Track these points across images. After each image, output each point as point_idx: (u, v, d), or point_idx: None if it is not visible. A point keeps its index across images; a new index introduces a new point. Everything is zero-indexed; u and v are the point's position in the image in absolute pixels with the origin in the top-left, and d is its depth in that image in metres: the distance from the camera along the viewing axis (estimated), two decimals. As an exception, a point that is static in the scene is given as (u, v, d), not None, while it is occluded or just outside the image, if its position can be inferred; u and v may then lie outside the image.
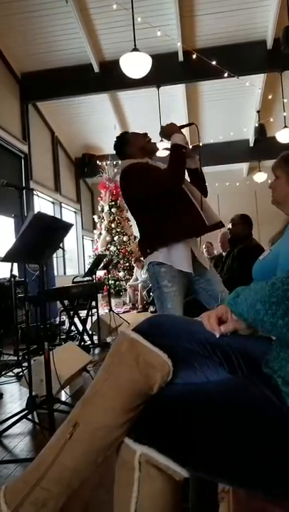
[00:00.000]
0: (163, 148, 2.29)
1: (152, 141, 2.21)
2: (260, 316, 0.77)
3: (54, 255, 2.46)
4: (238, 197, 10.92)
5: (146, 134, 2.20)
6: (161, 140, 2.33)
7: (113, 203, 9.23)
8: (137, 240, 2.30)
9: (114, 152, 2.26)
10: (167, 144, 2.06)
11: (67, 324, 4.78)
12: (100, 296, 6.73)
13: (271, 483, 0.75)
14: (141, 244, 2.13)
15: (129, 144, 2.17)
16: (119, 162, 2.28)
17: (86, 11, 5.92)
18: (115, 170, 8.96)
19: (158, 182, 1.95)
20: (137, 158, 2.10)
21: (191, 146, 2.12)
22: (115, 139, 2.25)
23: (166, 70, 6.64)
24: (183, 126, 2.10)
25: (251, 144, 9.95)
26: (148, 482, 0.78)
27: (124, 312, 7.54)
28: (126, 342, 0.88)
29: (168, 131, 2.05)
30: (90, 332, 4.61)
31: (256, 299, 0.79)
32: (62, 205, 9.51)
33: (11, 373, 3.38)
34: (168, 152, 2.02)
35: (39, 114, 8.26)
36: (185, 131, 2.12)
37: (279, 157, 1.45)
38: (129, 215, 8.66)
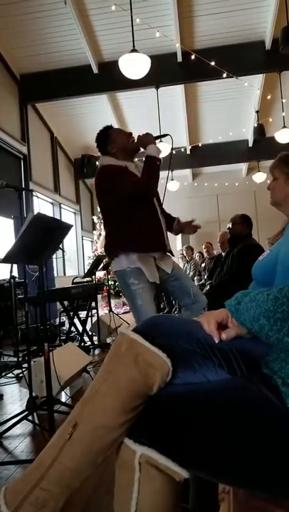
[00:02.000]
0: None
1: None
2: (264, 330, 0.77)
3: (54, 256, 2.45)
4: (237, 197, 10.92)
5: (130, 134, 2.18)
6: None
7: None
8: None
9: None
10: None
11: (67, 325, 4.78)
12: (99, 296, 6.73)
13: (271, 483, 0.75)
14: (107, 246, 2.11)
15: (111, 140, 2.13)
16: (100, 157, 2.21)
17: (85, 12, 5.93)
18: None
19: (129, 190, 1.95)
20: (118, 158, 2.08)
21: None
22: (99, 131, 2.18)
23: (165, 70, 6.64)
24: (158, 137, 2.11)
25: (250, 144, 9.95)
26: (148, 482, 0.78)
27: (124, 313, 7.53)
28: (125, 342, 0.88)
29: (144, 140, 2.06)
30: (90, 333, 4.60)
31: (259, 312, 0.77)
32: (62, 205, 9.50)
33: (11, 374, 3.38)
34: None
35: (38, 115, 8.26)
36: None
37: (276, 158, 1.45)
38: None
